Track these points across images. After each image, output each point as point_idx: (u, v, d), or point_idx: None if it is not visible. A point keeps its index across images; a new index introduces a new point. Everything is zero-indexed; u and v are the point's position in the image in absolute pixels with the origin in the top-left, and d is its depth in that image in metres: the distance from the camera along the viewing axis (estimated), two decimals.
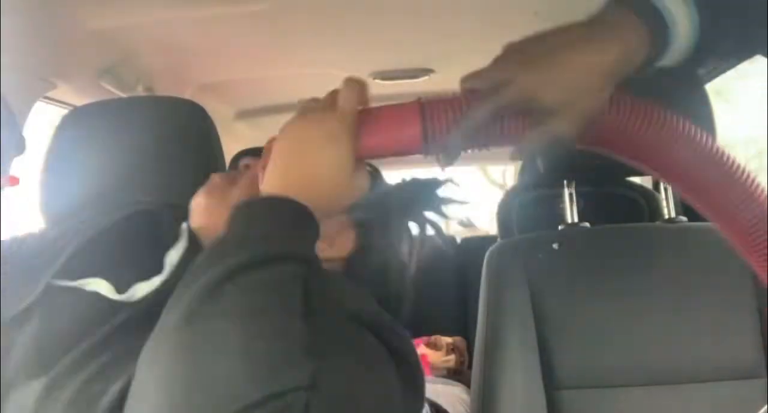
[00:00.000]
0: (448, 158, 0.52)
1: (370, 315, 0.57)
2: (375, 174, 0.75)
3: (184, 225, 0.67)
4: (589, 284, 1.04)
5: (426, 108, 0.53)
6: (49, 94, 1.27)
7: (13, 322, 0.58)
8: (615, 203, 1.55)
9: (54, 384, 0.52)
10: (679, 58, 0.53)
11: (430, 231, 0.74)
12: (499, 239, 1.57)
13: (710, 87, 1.35)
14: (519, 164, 2.43)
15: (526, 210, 1.75)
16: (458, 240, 2.54)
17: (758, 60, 0.63)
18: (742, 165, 0.53)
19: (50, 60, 1.22)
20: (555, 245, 1.06)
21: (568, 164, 1.06)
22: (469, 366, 1.63)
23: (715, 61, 1.32)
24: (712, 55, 0.55)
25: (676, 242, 1.07)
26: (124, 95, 1.36)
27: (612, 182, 1.55)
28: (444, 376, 1.94)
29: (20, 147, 0.70)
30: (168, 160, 0.85)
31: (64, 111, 0.94)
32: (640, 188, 1.63)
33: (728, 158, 0.53)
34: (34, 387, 0.52)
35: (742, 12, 0.52)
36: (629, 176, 1.46)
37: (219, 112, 1.98)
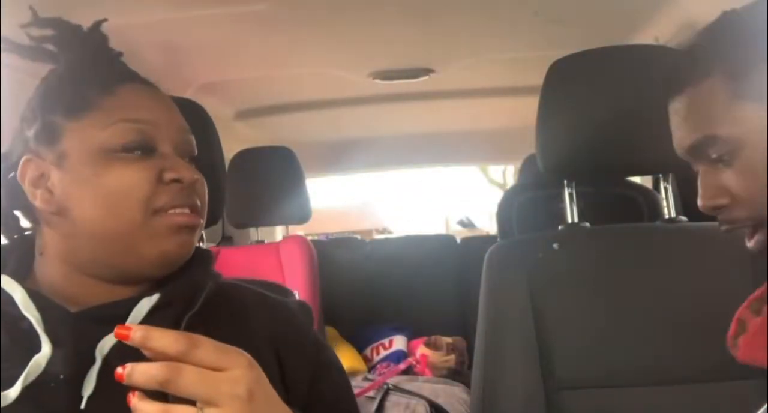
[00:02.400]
0: None
1: None
2: None
3: None
4: (589, 284, 1.04)
5: None
6: None
7: None
8: (615, 203, 1.56)
9: None
10: None
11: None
12: (499, 239, 1.57)
13: None
14: (519, 163, 2.43)
15: (526, 210, 1.75)
16: (458, 240, 2.55)
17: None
18: None
19: None
20: (555, 245, 1.05)
21: (568, 164, 1.06)
22: (469, 366, 1.63)
23: None
24: None
25: (676, 242, 1.07)
26: None
27: (612, 181, 1.55)
28: (444, 376, 1.94)
29: None
30: None
31: None
32: (639, 188, 1.64)
33: None
34: None
35: None
36: (629, 175, 1.46)
37: (219, 112, 1.98)
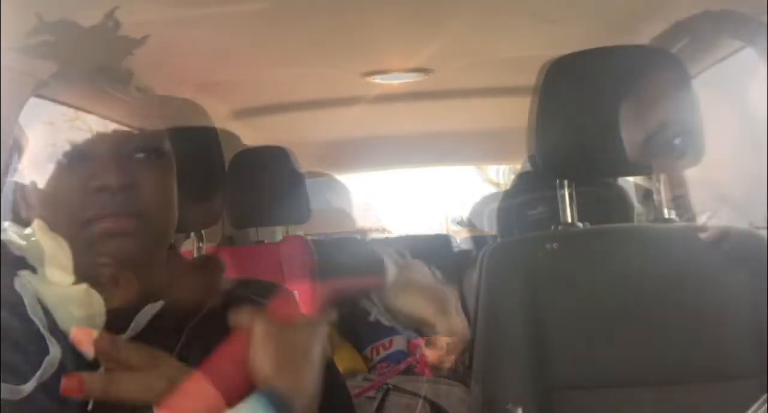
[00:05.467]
0: None
1: None
2: None
3: None
4: (586, 284, 1.04)
5: None
6: None
7: None
8: (606, 201, 1.56)
9: None
10: None
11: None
12: (498, 239, 1.57)
13: None
14: (519, 164, 2.44)
15: (526, 210, 1.75)
16: (458, 240, 2.55)
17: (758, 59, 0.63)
18: None
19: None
20: (554, 245, 1.06)
21: (565, 163, 1.06)
22: (469, 366, 1.63)
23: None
24: None
25: (675, 242, 1.07)
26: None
27: (608, 181, 1.56)
28: (444, 376, 1.94)
29: None
30: None
31: None
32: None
33: None
34: None
35: None
36: (627, 175, 1.46)
37: (219, 112, 1.98)
